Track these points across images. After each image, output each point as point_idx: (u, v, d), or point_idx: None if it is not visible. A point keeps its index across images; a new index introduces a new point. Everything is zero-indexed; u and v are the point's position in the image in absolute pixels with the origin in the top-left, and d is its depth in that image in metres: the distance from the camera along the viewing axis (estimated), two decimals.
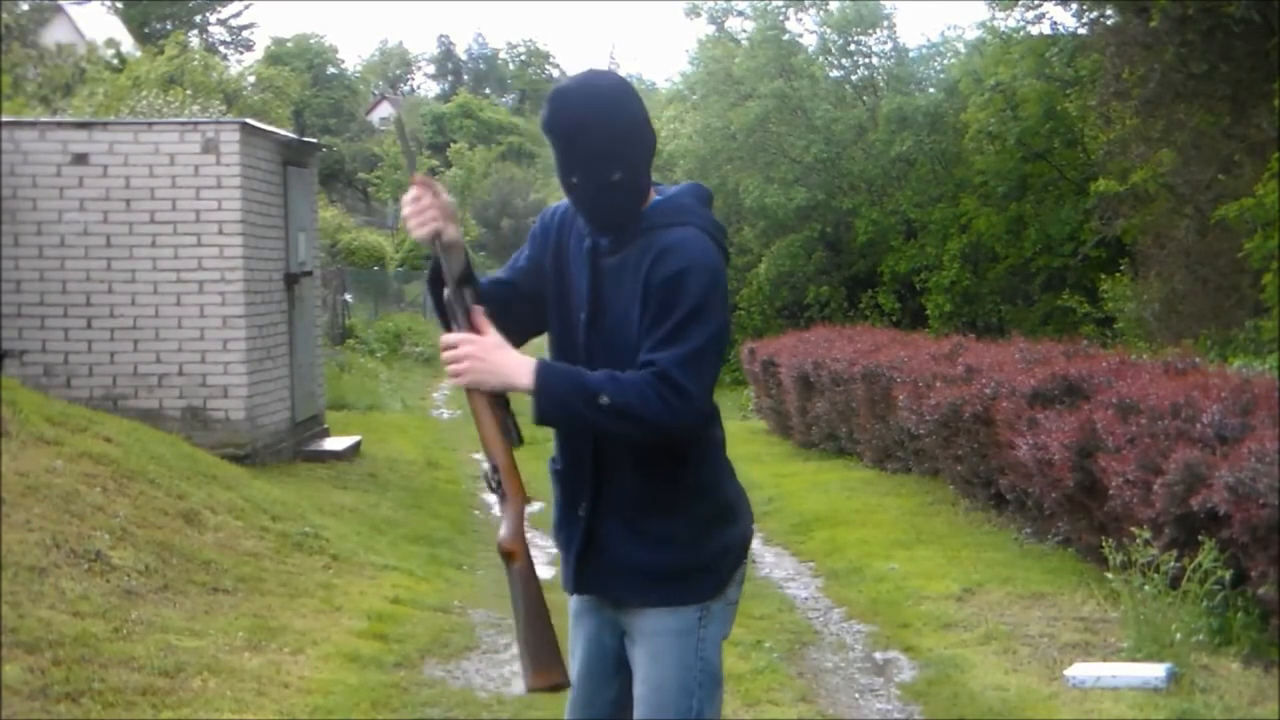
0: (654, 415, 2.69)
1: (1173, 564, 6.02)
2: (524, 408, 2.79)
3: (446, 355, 2.76)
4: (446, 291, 2.82)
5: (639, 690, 2.89)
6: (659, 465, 2.81)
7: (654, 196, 2.88)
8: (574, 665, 2.98)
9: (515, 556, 2.81)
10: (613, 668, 2.96)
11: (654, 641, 2.86)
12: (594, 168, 2.77)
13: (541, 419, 2.74)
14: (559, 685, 2.85)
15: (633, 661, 2.92)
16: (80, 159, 10.65)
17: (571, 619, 3.03)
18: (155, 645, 5.56)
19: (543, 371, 2.72)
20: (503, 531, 2.82)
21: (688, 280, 2.73)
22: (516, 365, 2.74)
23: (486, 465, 2.81)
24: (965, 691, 5.83)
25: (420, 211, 2.81)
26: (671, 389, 2.69)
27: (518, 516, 2.81)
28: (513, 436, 2.79)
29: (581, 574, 2.91)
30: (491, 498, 11.52)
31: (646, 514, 2.83)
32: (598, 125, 2.76)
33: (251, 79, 29.35)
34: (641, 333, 2.76)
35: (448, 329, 2.81)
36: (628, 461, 2.81)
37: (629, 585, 2.87)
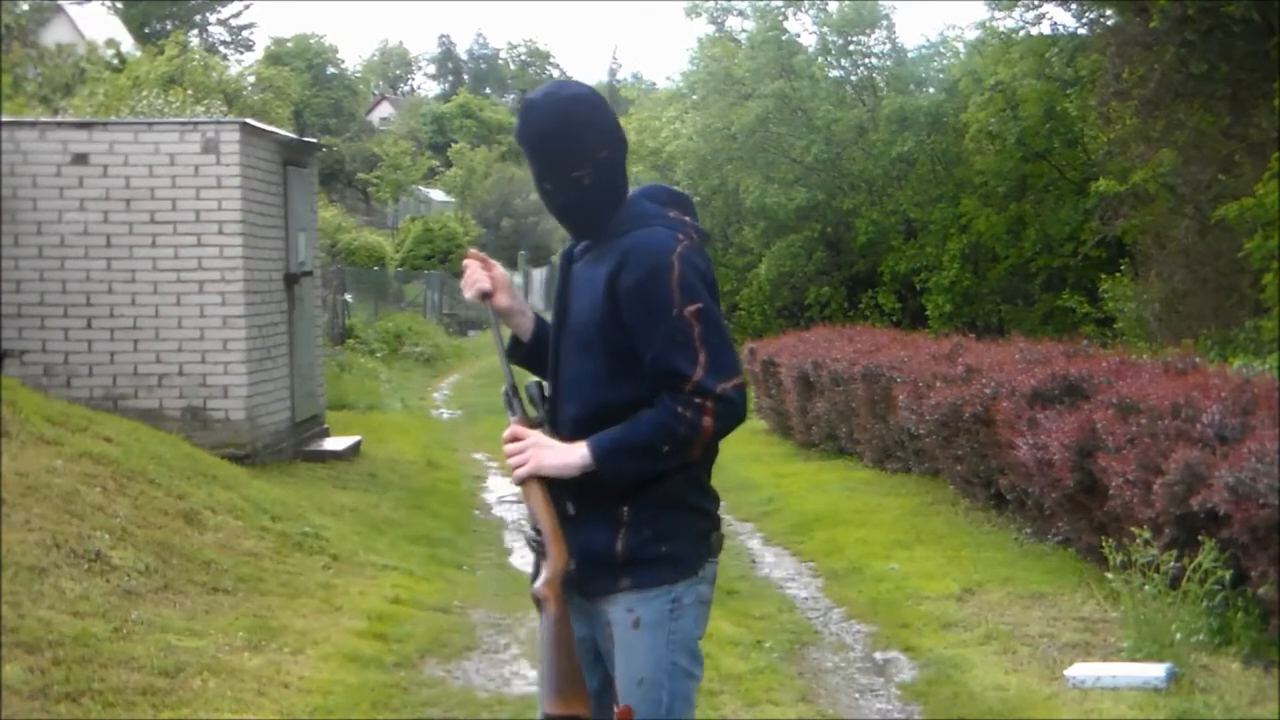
0: (707, 429, 2.84)
1: (1173, 564, 6.02)
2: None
3: (508, 449, 2.98)
4: (504, 388, 3.06)
5: (617, 679, 2.97)
6: None
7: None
8: None
9: (550, 602, 2.96)
10: (591, 658, 3.03)
11: (626, 634, 2.93)
12: (562, 172, 2.97)
13: (615, 484, 2.90)
14: (578, 717, 2.98)
15: (605, 655, 3.00)
16: (80, 159, 10.65)
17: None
18: (155, 645, 5.56)
19: (595, 449, 2.88)
20: (539, 583, 2.97)
21: (662, 278, 2.86)
22: (566, 452, 2.92)
23: (529, 528, 3.02)
24: (965, 691, 5.83)
25: (470, 277, 3.11)
26: (710, 398, 2.84)
27: (555, 574, 2.95)
28: (560, 506, 2.95)
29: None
30: (492, 496, 11.61)
31: (590, 502, 2.92)
32: (563, 131, 2.95)
33: (251, 79, 29.35)
34: (638, 341, 2.88)
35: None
36: None
37: (592, 573, 2.94)
